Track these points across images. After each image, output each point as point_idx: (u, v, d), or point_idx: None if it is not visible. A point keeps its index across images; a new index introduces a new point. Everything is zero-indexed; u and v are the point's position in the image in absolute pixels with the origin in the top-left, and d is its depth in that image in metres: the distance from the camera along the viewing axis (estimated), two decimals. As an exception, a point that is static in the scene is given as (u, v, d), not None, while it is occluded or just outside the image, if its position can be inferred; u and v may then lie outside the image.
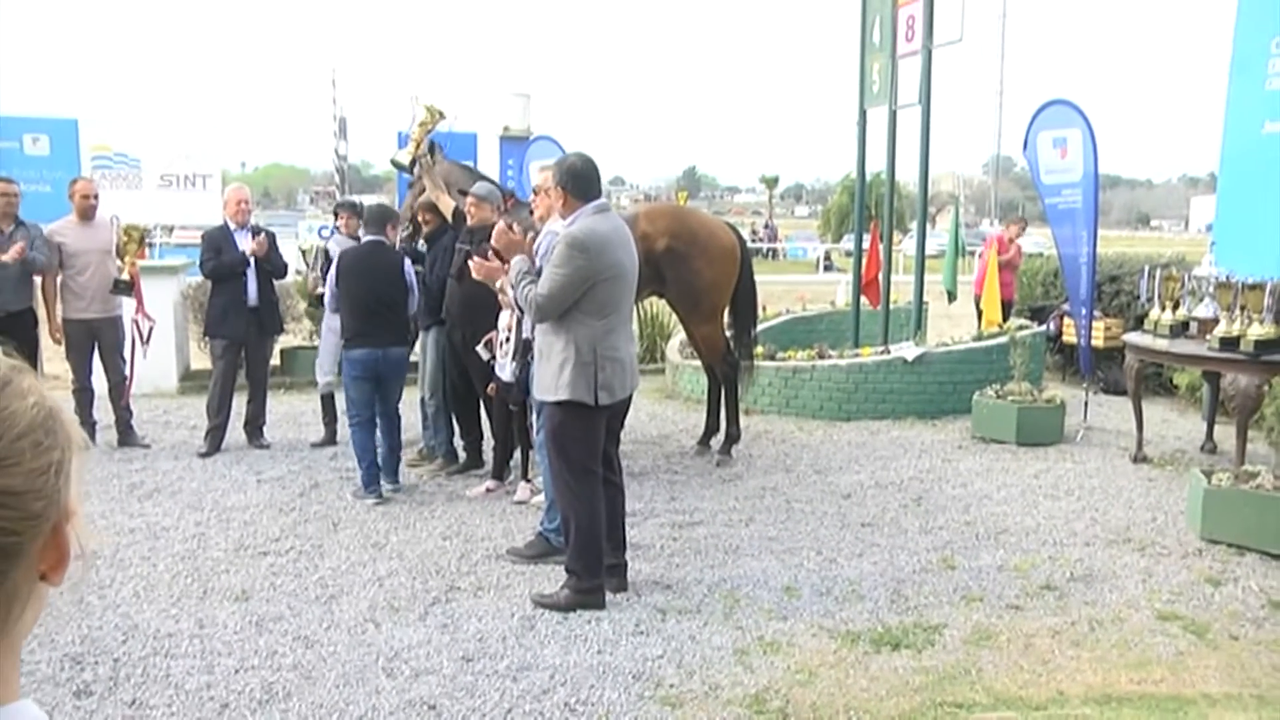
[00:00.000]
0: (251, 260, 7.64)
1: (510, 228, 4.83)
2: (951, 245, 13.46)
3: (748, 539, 5.77)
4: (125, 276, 7.62)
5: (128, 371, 7.94)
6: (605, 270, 4.51)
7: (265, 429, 8.04)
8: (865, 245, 10.97)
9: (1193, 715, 3.74)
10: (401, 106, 7.43)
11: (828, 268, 32.69)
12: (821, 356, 9.43)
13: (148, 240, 7.98)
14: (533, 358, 6.23)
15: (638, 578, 5.08)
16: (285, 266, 8.02)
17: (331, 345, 7.92)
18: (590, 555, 4.70)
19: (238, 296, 7.67)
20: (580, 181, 4.60)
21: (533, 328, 5.11)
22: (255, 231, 7.82)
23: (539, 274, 4.62)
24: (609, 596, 4.80)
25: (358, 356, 6.48)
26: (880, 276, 10.64)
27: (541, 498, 6.36)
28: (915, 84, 9.47)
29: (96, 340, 7.72)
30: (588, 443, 4.65)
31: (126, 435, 7.93)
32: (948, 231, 14.85)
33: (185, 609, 4.71)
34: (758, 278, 8.08)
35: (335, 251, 7.82)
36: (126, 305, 7.85)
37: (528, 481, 6.61)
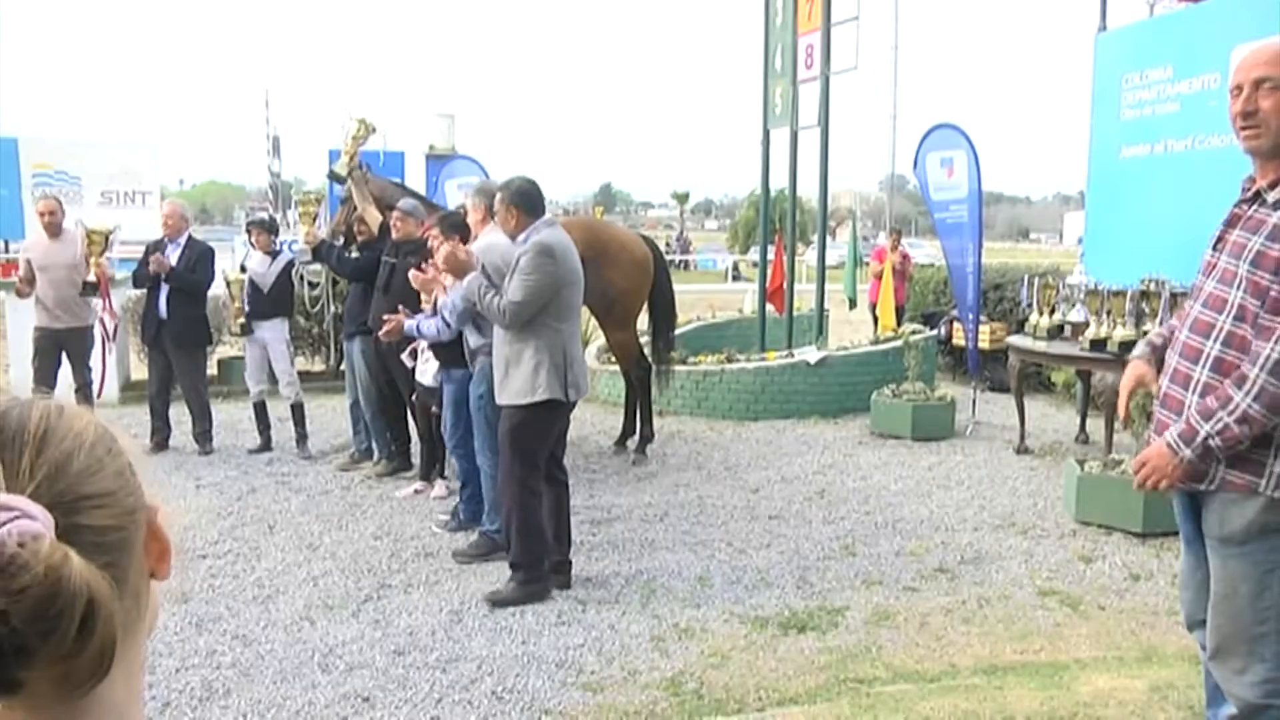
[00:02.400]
0: (155, 273, 7.47)
1: (454, 250, 4.82)
2: (850, 256, 13.78)
3: (663, 533, 5.80)
4: (92, 278, 7.44)
5: (96, 377, 7.77)
6: (569, 275, 4.60)
7: (212, 436, 7.86)
8: (770, 256, 11.11)
9: (1067, 679, 3.88)
10: (332, 125, 7.35)
11: (736, 277, 33.01)
12: (730, 360, 9.50)
13: (112, 240, 7.71)
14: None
15: (561, 571, 5.10)
16: (205, 282, 7.74)
17: (257, 358, 7.87)
18: (537, 549, 4.72)
19: (152, 308, 7.62)
20: (529, 200, 4.70)
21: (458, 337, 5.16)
22: (187, 247, 7.65)
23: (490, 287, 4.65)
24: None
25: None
26: (784, 285, 10.78)
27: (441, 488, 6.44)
28: (815, 107, 9.62)
29: (64, 349, 7.57)
30: (548, 439, 4.72)
31: None
32: (847, 244, 15.19)
33: (121, 613, 4.55)
34: (674, 286, 8.15)
35: (252, 267, 7.71)
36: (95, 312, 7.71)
37: (444, 479, 6.62)
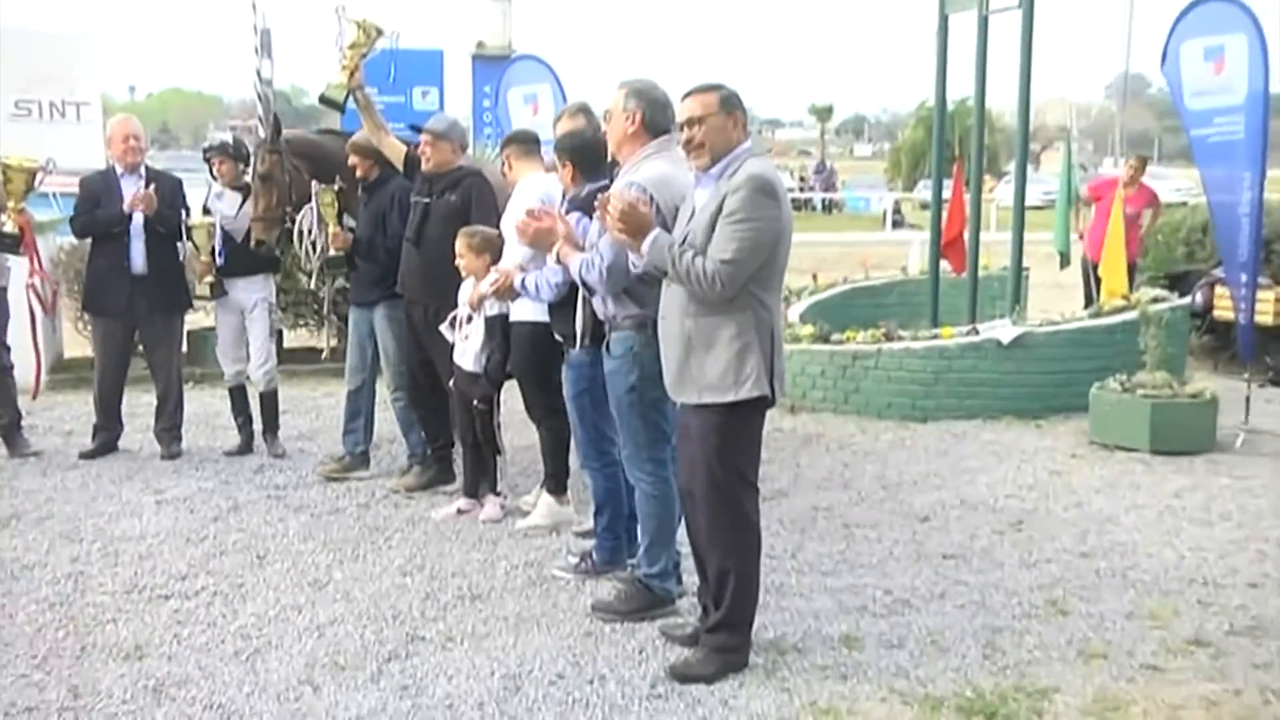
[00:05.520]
0: (135, 216, 7.66)
1: (624, 202, 4.70)
2: (1063, 193, 13.44)
3: (795, 574, 5.79)
4: (10, 228, 7.64)
5: (20, 359, 8.05)
6: (788, 226, 4.59)
7: (181, 434, 8.15)
8: (946, 194, 10.96)
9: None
10: (326, 20, 7.30)
11: (897, 224, 32.56)
12: (889, 338, 9.44)
13: (39, 181, 7.83)
14: (493, 342, 6.37)
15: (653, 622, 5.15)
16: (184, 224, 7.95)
17: (232, 328, 8.07)
18: (750, 603, 4.77)
19: (118, 262, 7.75)
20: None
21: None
22: (149, 178, 7.86)
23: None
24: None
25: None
26: (966, 234, 10.63)
27: (536, 518, 6.52)
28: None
29: None
30: (756, 450, 4.75)
31: (13, 440, 8.04)
32: (1058, 175, 14.82)
33: (54, 672, 4.70)
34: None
35: (221, 210, 7.89)
36: (14, 273, 7.97)
37: (497, 495, 6.73)
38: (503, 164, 6.68)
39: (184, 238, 7.95)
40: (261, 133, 12.10)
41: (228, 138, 9.25)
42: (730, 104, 4.57)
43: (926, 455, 8.17)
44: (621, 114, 5.08)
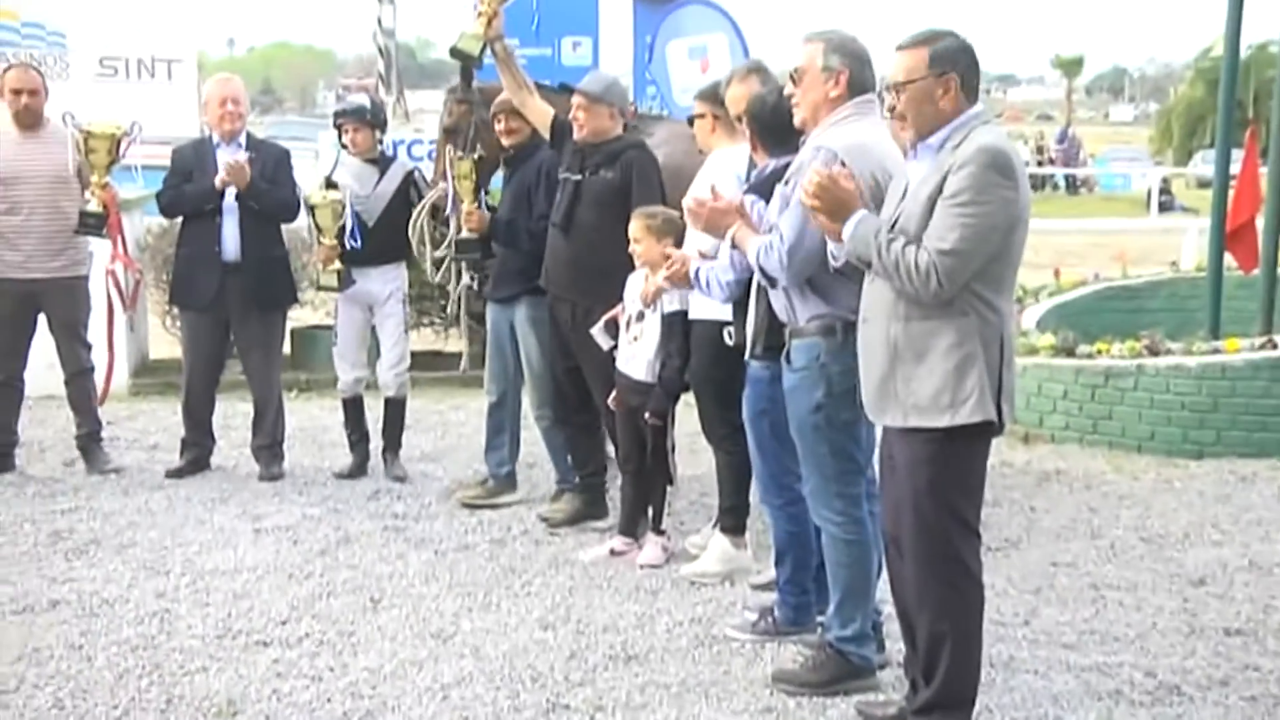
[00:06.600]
0: (227, 193, 7.81)
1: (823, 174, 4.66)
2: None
3: (1028, 645, 5.71)
4: (95, 206, 7.84)
5: (100, 360, 8.29)
6: (1026, 210, 4.54)
7: (283, 452, 8.33)
8: (1235, 169, 10.66)
9: None
10: None
11: (1166, 206, 32.03)
12: (1154, 351, 9.27)
13: (124, 148, 7.96)
14: (672, 344, 6.41)
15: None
16: (294, 202, 8.13)
17: (356, 326, 8.19)
18: (969, 678, 4.73)
19: (207, 247, 7.90)
20: (976, 72, 4.58)
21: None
22: (250, 148, 8.04)
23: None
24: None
25: None
26: (1260, 221, 10.35)
27: (706, 564, 6.51)
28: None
29: (42, 313, 8.09)
30: (978, 488, 4.70)
31: (93, 453, 8.31)
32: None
33: (139, 729, 4.83)
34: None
35: (349, 186, 7.99)
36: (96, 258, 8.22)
37: (660, 533, 6.73)
38: (700, 128, 6.61)
39: (297, 217, 8.15)
40: (382, 93, 12.35)
41: (364, 100, 9.18)
42: (944, 61, 4.46)
43: (1201, 501, 7.96)
44: (821, 74, 5.01)
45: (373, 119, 8.20)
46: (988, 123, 4.57)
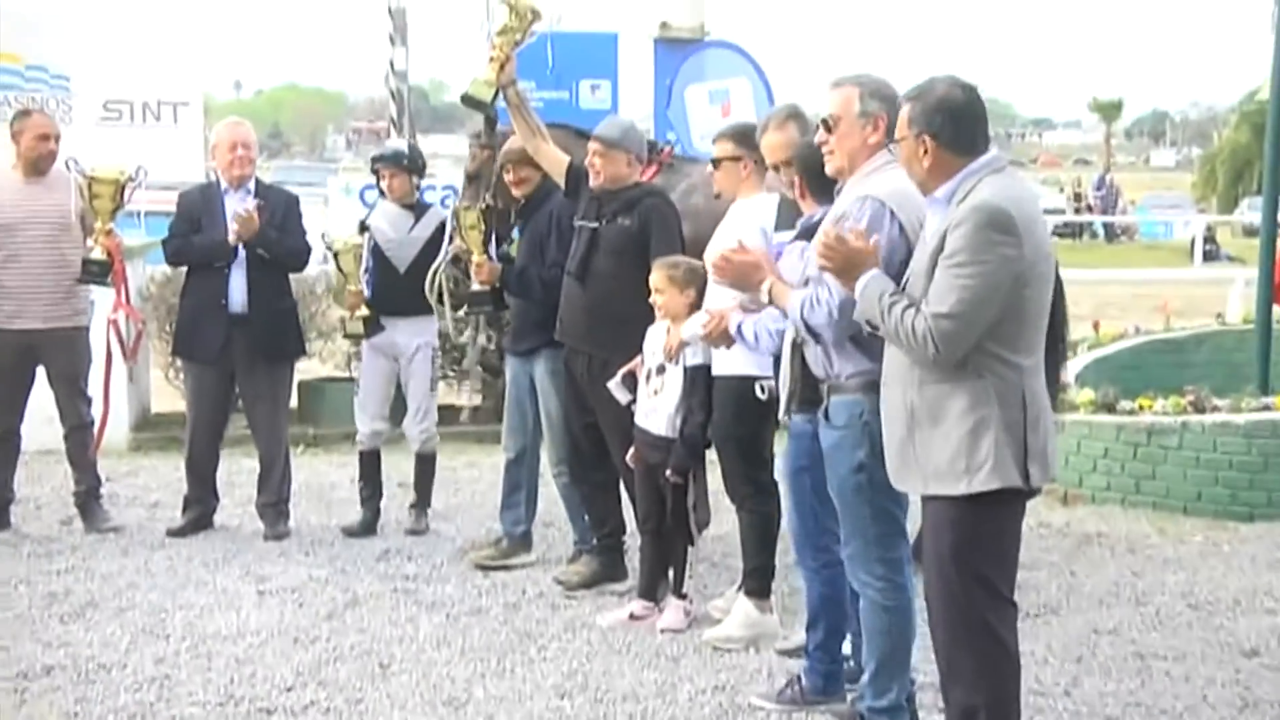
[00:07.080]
0: (237, 243, 7.73)
1: (830, 233, 4.68)
2: None
3: (1070, 715, 5.62)
4: (99, 254, 7.81)
5: (98, 413, 8.20)
6: (1038, 264, 4.42)
7: (289, 510, 8.26)
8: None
9: None
10: (471, 1, 7.42)
11: (1210, 256, 32.24)
12: (1199, 408, 9.18)
13: (129, 194, 7.94)
14: (694, 398, 6.35)
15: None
16: (304, 250, 8.14)
17: (381, 376, 8.17)
18: None
19: (213, 297, 7.85)
20: (964, 125, 4.48)
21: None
22: (260, 194, 8.00)
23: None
24: None
25: None
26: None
27: (729, 628, 6.43)
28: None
29: (40, 364, 8.04)
30: (1009, 552, 4.60)
31: (91, 511, 8.21)
32: None
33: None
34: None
35: (382, 233, 8.02)
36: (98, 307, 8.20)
37: (681, 597, 6.65)
38: (729, 171, 6.47)
39: (307, 265, 8.18)
40: (394, 137, 12.46)
41: (402, 145, 9.26)
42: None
43: (1254, 567, 7.85)
44: (858, 120, 4.99)
45: (410, 165, 8.22)
46: (999, 170, 4.50)
